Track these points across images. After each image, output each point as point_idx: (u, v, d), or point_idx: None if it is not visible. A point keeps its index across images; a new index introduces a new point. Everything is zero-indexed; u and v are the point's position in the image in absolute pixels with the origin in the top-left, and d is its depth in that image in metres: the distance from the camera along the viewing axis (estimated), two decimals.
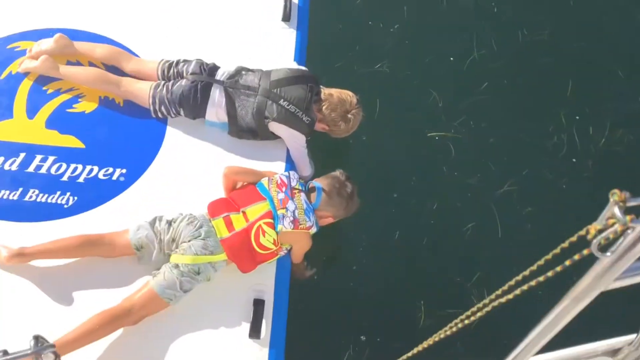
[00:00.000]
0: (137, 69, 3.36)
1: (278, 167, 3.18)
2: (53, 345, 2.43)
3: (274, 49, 3.59)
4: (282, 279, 2.91)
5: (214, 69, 3.27)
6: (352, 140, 3.58)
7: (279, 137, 3.22)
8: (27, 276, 2.77)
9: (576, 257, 1.44)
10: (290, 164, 3.23)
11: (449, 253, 3.44)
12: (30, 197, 2.99)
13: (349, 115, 3.22)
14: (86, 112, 3.27)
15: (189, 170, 3.15)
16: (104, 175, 3.09)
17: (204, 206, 2.91)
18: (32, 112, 3.24)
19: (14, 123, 3.20)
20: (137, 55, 3.46)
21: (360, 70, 4.04)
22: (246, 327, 2.72)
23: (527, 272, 1.82)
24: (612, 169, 3.81)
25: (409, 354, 2.35)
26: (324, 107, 3.20)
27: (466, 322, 2.00)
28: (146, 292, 2.68)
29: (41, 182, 3.04)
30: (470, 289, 3.32)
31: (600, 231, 1.31)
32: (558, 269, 1.57)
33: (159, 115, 3.26)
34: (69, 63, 3.39)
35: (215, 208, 2.88)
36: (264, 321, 2.73)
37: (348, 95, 3.24)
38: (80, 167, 3.10)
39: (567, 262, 1.49)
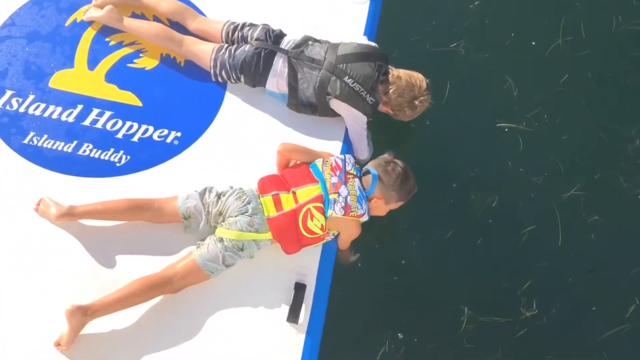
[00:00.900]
0: (201, 28, 3.32)
1: (334, 147, 3.13)
2: None
3: (345, 19, 3.48)
4: (326, 265, 2.89)
5: (280, 36, 3.20)
6: (414, 125, 3.46)
7: (339, 115, 3.15)
8: (75, 235, 2.84)
9: None
10: (348, 145, 3.17)
11: (503, 256, 3.31)
12: (84, 151, 3.04)
13: (416, 102, 3.09)
14: (146, 68, 3.28)
15: (243, 140, 3.13)
16: (159, 136, 3.10)
17: (256, 180, 2.90)
18: (93, 63, 3.27)
19: (74, 73, 3.24)
20: (203, 14, 3.42)
21: (433, 49, 3.87)
22: (285, 309, 2.73)
23: None
24: None
25: None
26: (390, 91, 3.08)
27: None
28: (188, 263, 2.71)
29: (96, 136, 3.08)
30: (519, 298, 3.21)
31: None
32: None
33: (219, 79, 3.23)
34: (133, 15, 3.39)
35: (265, 185, 2.86)
36: (303, 306, 2.73)
37: (418, 79, 3.10)
38: (135, 125, 3.12)
39: None
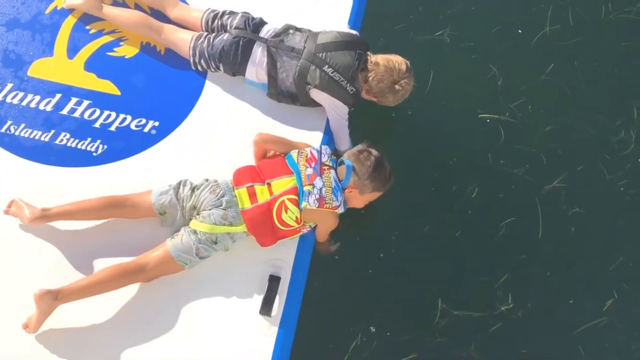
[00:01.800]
0: (181, 16, 3.20)
1: (315, 137, 3.02)
2: None
3: (329, 7, 3.35)
4: (302, 258, 2.80)
5: (259, 24, 3.07)
6: (396, 113, 3.34)
7: (320, 105, 3.03)
8: (51, 226, 2.75)
9: None
10: (329, 135, 3.06)
11: (481, 249, 3.20)
12: (61, 140, 2.95)
13: (397, 87, 2.95)
14: (126, 57, 3.16)
15: (222, 130, 3.03)
16: (136, 126, 3.00)
17: (233, 171, 2.79)
18: (72, 51, 3.16)
19: (54, 61, 3.13)
20: (184, 1, 3.30)
21: (418, 38, 3.74)
22: (259, 301, 2.64)
23: None
24: None
25: None
26: (369, 78, 2.95)
27: None
28: (162, 253, 2.63)
29: (73, 126, 2.99)
30: (495, 291, 3.10)
31: None
32: None
33: (199, 68, 3.12)
34: (115, 3, 3.27)
35: (241, 177, 2.76)
36: (277, 299, 2.65)
37: (396, 62, 2.95)
38: (113, 114, 3.02)
39: None
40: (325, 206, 2.68)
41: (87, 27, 3.21)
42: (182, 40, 3.11)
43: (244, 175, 2.76)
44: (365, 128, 3.23)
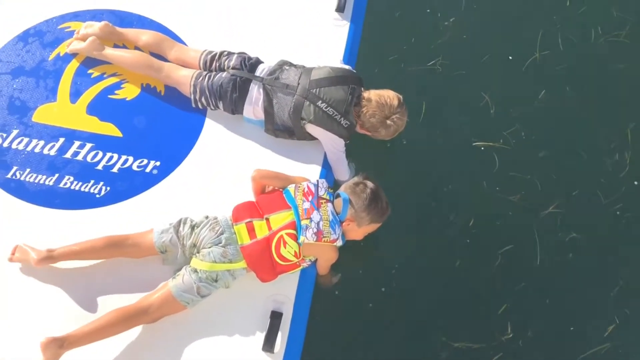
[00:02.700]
0: (180, 57, 3.20)
1: (314, 171, 2.99)
2: None
3: (324, 41, 3.34)
4: (303, 293, 2.75)
5: (255, 64, 3.07)
6: (390, 144, 3.31)
7: (316, 139, 3.01)
8: (54, 269, 2.72)
9: None
10: (327, 169, 3.03)
11: (480, 278, 3.13)
12: (65, 184, 2.93)
13: (388, 122, 2.92)
14: (127, 99, 3.16)
15: (222, 167, 3.01)
16: (138, 166, 2.99)
17: (233, 207, 2.76)
18: (75, 95, 3.16)
19: (57, 106, 3.13)
20: (182, 42, 3.30)
21: (411, 68, 3.71)
22: (261, 338, 2.58)
23: None
24: None
25: None
26: (362, 113, 2.93)
27: None
28: (164, 293, 2.59)
29: (77, 169, 2.97)
30: (494, 322, 3.02)
31: None
32: None
33: (199, 105, 3.11)
34: (115, 47, 3.27)
35: (239, 213, 2.73)
36: (279, 335, 2.59)
37: (388, 97, 2.92)
38: (115, 156, 3.00)
39: None
40: (323, 240, 2.63)
41: (89, 72, 3.22)
42: (184, 78, 3.11)
43: (242, 211, 2.73)
44: (361, 159, 3.18)
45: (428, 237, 3.24)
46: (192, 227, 2.69)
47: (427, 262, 3.18)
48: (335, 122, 2.91)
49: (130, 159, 3.00)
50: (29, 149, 3.01)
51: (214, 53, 3.15)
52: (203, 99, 3.07)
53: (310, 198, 2.69)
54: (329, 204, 2.71)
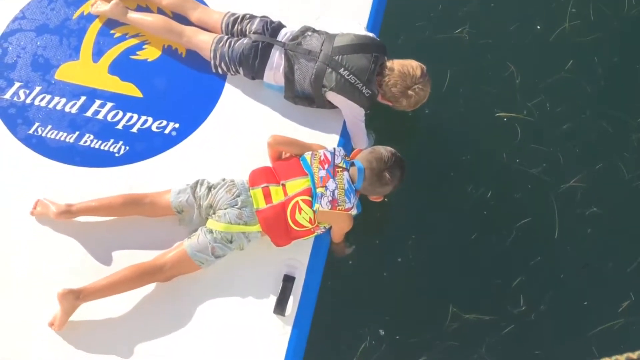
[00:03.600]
0: (202, 19, 3.08)
1: (332, 139, 2.88)
2: None
3: (348, 7, 3.17)
4: (317, 259, 2.67)
5: (278, 28, 2.93)
6: (412, 112, 3.17)
7: (336, 107, 2.89)
8: (71, 232, 2.68)
9: None
10: (345, 138, 2.91)
11: (497, 251, 3.00)
12: (85, 141, 2.87)
13: (410, 92, 2.77)
14: (149, 60, 3.06)
15: (240, 132, 2.91)
16: (157, 127, 2.90)
17: (249, 172, 2.67)
18: (97, 55, 3.07)
19: (79, 65, 3.05)
20: (204, 3, 3.18)
21: (437, 36, 3.53)
22: (273, 301, 2.53)
23: None
24: None
25: None
26: (384, 83, 2.79)
27: None
28: (179, 253, 2.54)
29: (97, 127, 2.90)
30: (507, 294, 2.91)
31: None
32: None
33: (219, 71, 3.00)
34: (138, 8, 3.17)
35: (256, 177, 2.64)
36: (291, 299, 2.53)
37: (411, 67, 2.77)
38: (135, 116, 2.92)
39: None
40: (337, 208, 2.54)
41: (112, 32, 3.12)
42: (204, 43, 2.99)
43: (259, 176, 2.65)
44: (382, 127, 3.05)
45: (446, 207, 3.12)
46: (209, 188, 2.62)
47: (444, 233, 3.06)
48: (357, 91, 2.78)
49: (150, 119, 2.92)
50: (50, 106, 2.94)
51: (236, 16, 3.02)
52: (223, 65, 2.96)
53: (326, 166, 2.59)
54: (345, 173, 2.60)
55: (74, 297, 2.45)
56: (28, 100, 2.96)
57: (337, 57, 2.78)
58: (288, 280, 2.57)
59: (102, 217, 2.69)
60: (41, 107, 2.94)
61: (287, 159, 2.74)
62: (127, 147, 2.86)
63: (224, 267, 2.59)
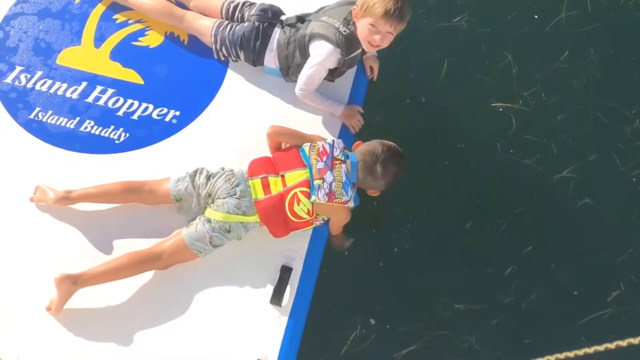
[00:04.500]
0: (202, 5, 2.81)
1: (334, 127, 2.65)
2: None
3: None
4: (315, 250, 2.47)
5: (278, 13, 2.69)
6: (410, 100, 2.92)
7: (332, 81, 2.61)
8: (69, 219, 2.47)
9: None
10: (346, 128, 2.66)
11: (489, 240, 2.80)
12: (86, 127, 2.64)
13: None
14: (150, 46, 2.81)
15: (241, 121, 2.68)
16: (158, 115, 2.68)
17: (249, 161, 2.46)
18: (99, 40, 2.82)
19: (81, 50, 2.79)
20: None
21: (436, 25, 3.26)
22: (270, 291, 2.34)
23: None
24: None
25: None
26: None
27: None
28: (177, 241, 2.35)
29: (98, 113, 2.67)
30: (497, 285, 2.73)
31: None
32: None
33: (221, 56, 2.76)
34: None
35: (255, 167, 2.44)
36: (288, 289, 2.34)
37: None
38: (136, 103, 2.69)
39: None
40: (334, 201, 2.34)
41: (114, 17, 2.86)
42: (205, 27, 2.75)
43: (258, 166, 2.44)
44: (379, 117, 2.84)
45: (440, 197, 2.92)
46: (208, 177, 2.42)
47: (439, 222, 2.87)
48: (334, 28, 2.46)
49: (151, 107, 2.69)
50: (52, 91, 2.71)
51: (236, 2, 2.77)
52: (224, 49, 2.72)
53: (324, 158, 2.38)
54: (343, 165, 2.39)
55: (71, 282, 2.27)
56: (29, 85, 2.72)
57: (319, 13, 2.56)
58: (285, 271, 2.38)
59: (100, 203, 2.50)
60: (42, 92, 2.71)
61: (286, 149, 2.53)
62: (128, 134, 2.64)
63: (221, 256, 2.40)
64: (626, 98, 3.11)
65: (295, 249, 2.44)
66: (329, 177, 2.34)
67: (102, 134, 2.64)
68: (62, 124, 2.65)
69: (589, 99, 3.11)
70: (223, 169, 2.45)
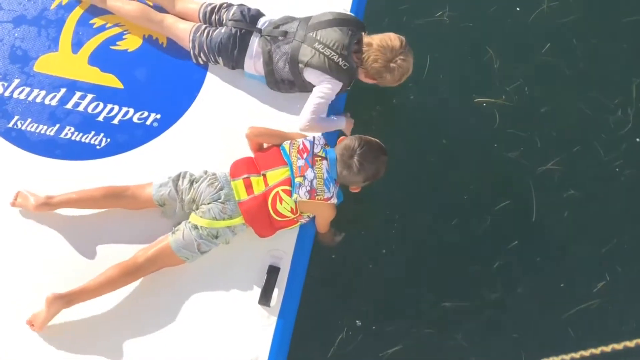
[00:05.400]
0: (180, 8, 2.85)
1: None
2: None
3: None
4: (302, 248, 2.52)
5: (256, 16, 2.73)
6: (396, 101, 2.98)
7: None
8: (52, 225, 2.51)
9: None
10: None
11: (476, 236, 2.85)
12: (66, 134, 2.68)
13: (392, 65, 2.54)
14: (129, 50, 2.85)
15: (222, 123, 2.72)
16: (139, 119, 2.71)
17: (232, 162, 2.50)
18: (77, 45, 2.86)
19: (59, 56, 2.83)
20: None
21: (418, 21, 3.31)
22: (258, 292, 2.38)
23: None
24: None
25: None
26: (364, 60, 2.57)
27: None
28: (163, 248, 2.38)
29: (77, 120, 2.71)
30: (483, 280, 2.77)
31: None
32: None
33: (199, 61, 2.80)
34: None
35: (237, 168, 2.47)
36: (276, 289, 2.39)
37: (389, 39, 2.55)
38: (116, 108, 2.73)
39: None
40: (316, 198, 2.38)
41: (91, 22, 2.90)
42: (183, 32, 2.78)
43: (240, 167, 2.48)
44: (363, 115, 2.87)
45: (426, 194, 2.97)
46: (191, 182, 2.46)
47: (425, 220, 2.92)
48: (333, 63, 2.54)
49: (131, 111, 2.73)
50: (30, 98, 2.74)
51: (213, 5, 2.80)
52: (202, 55, 2.76)
53: (305, 155, 2.42)
54: (325, 162, 2.42)
55: (64, 303, 2.30)
56: (7, 93, 2.75)
57: (312, 34, 2.58)
58: (273, 271, 2.42)
59: (82, 209, 2.52)
60: (20, 100, 2.74)
61: (267, 148, 2.56)
62: (109, 139, 2.68)
63: (208, 259, 2.44)
64: (608, 88, 3.18)
65: (282, 248, 2.48)
66: (309, 174, 2.38)
67: (83, 140, 2.67)
68: (42, 132, 2.68)
69: (572, 91, 3.17)
70: (206, 172, 2.48)
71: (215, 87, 2.79)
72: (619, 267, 2.81)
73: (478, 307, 2.73)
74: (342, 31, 2.57)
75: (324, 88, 2.58)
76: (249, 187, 2.42)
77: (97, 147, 2.66)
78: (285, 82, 2.69)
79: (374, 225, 2.91)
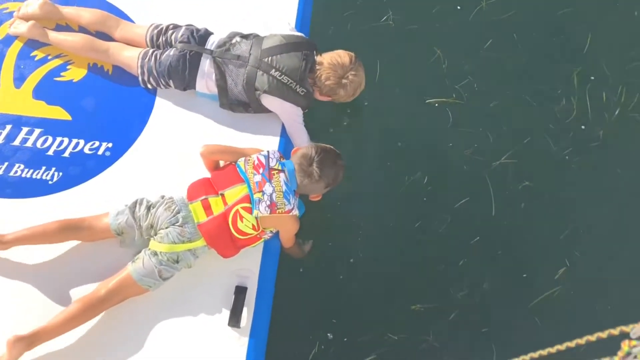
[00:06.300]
0: (126, 35, 2.88)
1: (272, 142, 2.73)
2: None
3: (275, 7, 3.01)
4: (268, 265, 2.54)
5: (205, 35, 2.76)
6: (350, 110, 3.05)
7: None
8: (7, 265, 2.46)
9: None
10: (286, 139, 2.77)
11: (438, 236, 2.92)
12: (16, 172, 2.65)
13: (344, 81, 2.66)
14: (74, 80, 2.85)
15: (176, 146, 2.73)
16: (90, 149, 2.70)
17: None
18: (19, 80, 2.83)
19: (1, 92, 2.80)
20: (127, 18, 2.96)
21: (363, 27, 3.40)
22: (227, 314, 2.39)
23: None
24: (625, 140, 3.16)
25: None
26: (317, 78, 2.66)
27: None
28: (124, 279, 2.36)
29: (27, 156, 2.68)
30: (449, 280, 2.83)
31: None
32: None
33: (148, 86, 2.81)
34: (58, 27, 2.94)
35: (194, 190, 2.47)
36: (245, 309, 2.39)
37: (339, 57, 2.67)
38: (66, 140, 2.71)
39: None
40: (277, 211, 2.40)
41: (32, 54, 2.89)
42: (130, 59, 2.79)
43: (197, 189, 2.48)
44: (317, 126, 2.93)
45: (387, 199, 3.03)
46: (148, 208, 2.45)
47: (389, 225, 2.98)
48: (291, 90, 2.64)
49: (82, 142, 2.71)
50: None
51: (160, 27, 2.82)
52: (152, 79, 2.77)
53: (261, 170, 2.44)
54: (282, 174, 2.46)
55: (26, 345, 2.24)
56: None
57: (266, 59, 2.63)
58: (240, 291, 2.43)
59: (37, 244, 2.48)
60: None
61: (223, 167, 2.58)
62: (61, 173, 2.65)
63: (173, 284, 2.43)
64: (551, 79, 3.31)
65: (247, 266, 2.49)
66: (268, 188, 2.40)
67: (34, 176, 2.64)
68: None
69: (517, 84, 3.29)
70: (163, 197, 2.48)
71: (166, 110, 2.80)
72: (577, 252, 2.92)
73: (446, 306, 2.78)
74: (297, 57, 2.63)
75: (295, 115, 2.70)
76: (207, 208, 2.42)
77: (50, 182, 2.63)
78: (239, 103, 2.73)
79: (340, 234, 2.95)
